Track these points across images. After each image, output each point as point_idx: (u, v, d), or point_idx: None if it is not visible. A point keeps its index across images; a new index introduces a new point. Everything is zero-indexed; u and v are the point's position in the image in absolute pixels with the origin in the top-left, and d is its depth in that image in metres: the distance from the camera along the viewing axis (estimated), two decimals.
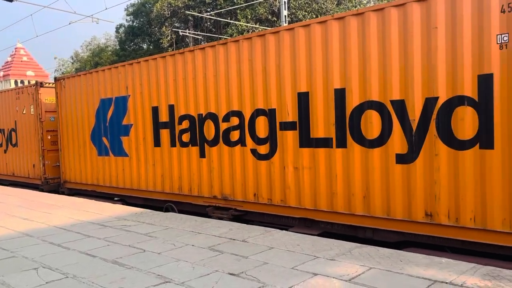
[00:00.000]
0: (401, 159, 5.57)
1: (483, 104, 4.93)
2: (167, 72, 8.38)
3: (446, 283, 3.90)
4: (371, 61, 5.74)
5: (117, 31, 38.83)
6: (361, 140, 5.90)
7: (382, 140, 5.72)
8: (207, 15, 28.28)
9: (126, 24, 37.29)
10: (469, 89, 5.02)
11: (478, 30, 4.92)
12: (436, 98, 5.25)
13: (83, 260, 5.07)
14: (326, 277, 4.17)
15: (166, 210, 8.59)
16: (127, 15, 36.76)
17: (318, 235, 6.29)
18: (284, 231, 6.15)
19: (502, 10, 4.77)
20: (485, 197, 4.97)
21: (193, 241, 5.74)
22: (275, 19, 27.78)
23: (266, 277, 4.26)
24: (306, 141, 6.45)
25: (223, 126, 7.49)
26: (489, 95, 4.89)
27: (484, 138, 4.95)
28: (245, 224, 6.64)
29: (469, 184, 5.07)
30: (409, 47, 5.41)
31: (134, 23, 36.33)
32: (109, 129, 9.79)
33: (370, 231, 5.97)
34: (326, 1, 28.15)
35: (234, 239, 5.73)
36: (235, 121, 7.32)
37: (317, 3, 28.29)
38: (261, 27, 27.21)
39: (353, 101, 5.94)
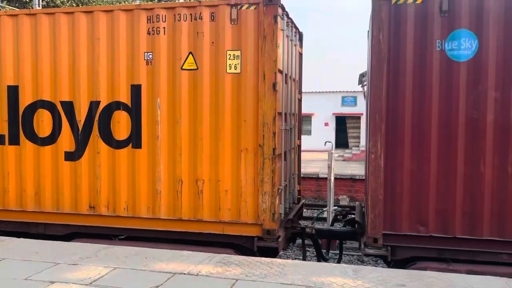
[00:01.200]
0: (70, 156, 5.97)
1: (135, 110, 5.79)
2: None
3: (185, 274, 4.26)
4: (43, 62, 5.93)
5: None
6: (33, 137, 6.03)
7: (53, 138, 5.99)
8: None
9: None
10: (125, 96, 5.80)
11: (132, 47, 5.74)
12: (98, 102, 5.85)
13: None
14: (65, 284, 4.03)
15: None
16: None
17: None
18: (22, 238, 5.69)
19: (148, 33, 5.70)
20: (135, 190, 5.84)
21: None
22: (28, 0, 24.93)
23: None
24: None
25: None
26: (139, 102, 5.77)
27: (135, 139, 5.81)
28: None
29: (123, 178, 5.85)
30: (77, 52, 5.85)
31: None
32: None
33: (42, 226, 6.16)
34: None
35: None
36: None
37: None
38: (9, 6, 23.94)
39: (26, 99, 6.01)
